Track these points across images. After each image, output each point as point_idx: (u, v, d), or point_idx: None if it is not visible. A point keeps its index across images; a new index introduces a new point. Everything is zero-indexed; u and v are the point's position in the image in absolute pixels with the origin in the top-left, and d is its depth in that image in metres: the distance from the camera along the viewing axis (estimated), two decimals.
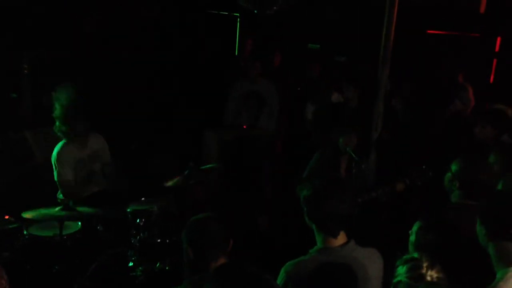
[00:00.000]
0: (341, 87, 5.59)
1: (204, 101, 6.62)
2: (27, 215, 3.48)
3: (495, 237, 2.13)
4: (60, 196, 4.29)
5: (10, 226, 3.68)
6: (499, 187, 2.99)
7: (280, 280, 2.34)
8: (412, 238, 2.46)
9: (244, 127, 5.65)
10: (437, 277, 1.96)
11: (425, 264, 1.99)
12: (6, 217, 3.80)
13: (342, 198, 2.33)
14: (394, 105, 5.04)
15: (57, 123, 4.19)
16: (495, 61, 7.11)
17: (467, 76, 5.81)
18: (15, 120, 5.34)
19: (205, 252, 2.38)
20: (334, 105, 5.64)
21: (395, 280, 2.06)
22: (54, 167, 4.19)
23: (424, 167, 3.59)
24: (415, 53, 6.70)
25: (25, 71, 5.44)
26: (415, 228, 2.48)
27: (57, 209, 3.55)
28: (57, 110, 4.19)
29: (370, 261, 2.40)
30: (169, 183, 3.97)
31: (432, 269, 1.97)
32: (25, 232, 3.69)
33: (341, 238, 2.38)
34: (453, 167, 2.88)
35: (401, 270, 2.07)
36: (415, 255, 2.34)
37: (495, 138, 4.00)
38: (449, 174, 2.90)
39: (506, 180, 2.91)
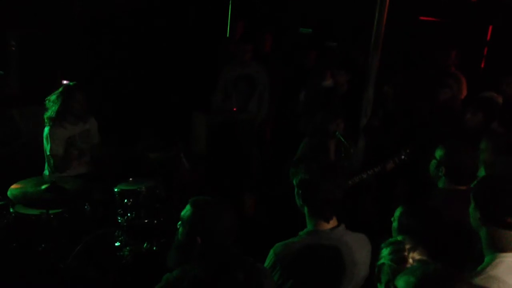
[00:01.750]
0: (332, 73, 5.58)
1: (194, 83, 6.58)
2: (12, 192, 3.46)
3: (489, 222, 2.13)
4: (46, 173, 4.28)
5: None
6: (482, 172, 3.02)
7: (268, 261, 2.35)
8: (395, 224, 2.48)
9: (234, 110, 5.62)
10: (419, 260, 1.98)
11: (407, 246, 2.01)
12: None
13: (337, 183, 2.36)
14: (386, 92, 5.04)
15: (48, 115, 4.16)
16: (486, 49, 7.14)
17: (459, 64, 5.81)
18: (2, 98, 5.28)
19: (217, 240, 2.17)
20: (324, 90, 5.64)
21: (378, 263, 2.08)
22: (45, 141, 4.19)
23: (412, 146, 3.61)
24: (407, 40, 6.69)
25: (12, 49, 5.36)
26: (397, 213, 2.50)
27: (43, 187, 3.53)
28: (51, 107, 4.16)
29: (359, 246, 2.42)
30: (153, 155, 3.96)
31: (414, 251, 1.99)
32: (11, 210, 3.67)
33: (332, 222, 2.40)
34: (438, 154, 2.90)
35: (385, 252, 2.09)
36: (399, 238, 2.37)
37: (485, 125, 4.03)
38: (434, 161, 2.92)
39: (500, 165, 2.93)
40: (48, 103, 4.18)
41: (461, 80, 5.62)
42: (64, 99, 4.15)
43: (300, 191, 2.42)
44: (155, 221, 3.92)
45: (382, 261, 2.09)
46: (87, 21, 6.13)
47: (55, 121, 4.16)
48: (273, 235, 2.59)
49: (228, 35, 7.16)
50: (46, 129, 4.18)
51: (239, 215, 2.31)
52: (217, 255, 2.15)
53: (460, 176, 2.80)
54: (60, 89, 4.22)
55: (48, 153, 4.19)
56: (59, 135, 4.19)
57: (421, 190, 3.18)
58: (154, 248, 3.76)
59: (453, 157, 2.82)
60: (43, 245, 3.56)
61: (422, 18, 7.18)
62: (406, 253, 2.00)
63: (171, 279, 2.10)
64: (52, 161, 4.20)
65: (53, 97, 4.18)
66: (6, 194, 3.49)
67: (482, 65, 7.24)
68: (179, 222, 2.29)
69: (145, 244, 3.76)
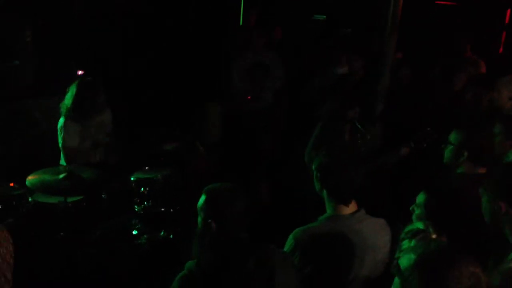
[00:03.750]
0: (347, 59, 5.52)
1: (208, 72, 6.56)
2: (30, 181, 3.49)
3: None
4: (62, 163, 4.31)
5: (15, 193, 3.69)
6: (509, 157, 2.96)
7: (288, 246, 2.35)
8: (418, 211, 2.43)
9: (249, 98, 5.61)
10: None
11: (433, 236, 1.97)
12: (11, 184, 3.81)
13: (356, 167, 2.35)
14: (402, 76, 4.98)
15: (65, 105, 4.18)
16: (504, 33, 7.01)
17: (477, 49, 5.72)
18: (17, 89, 5.32)
19: (231, 225, 2.18)
20: (339, 77, 5.59)
21: (398, 255, 2.04)
22: (59, 132, 4.20)
23: (428, 129, 3.56)
24: (423, 25, 6.59)
25: (28, 39, 5.38)
26: (420, 199, 2.45)
27: (61, 176, 3.56)
28: (67, 100, 4.18)
29: (379, 231, 2.40)
30: (168, 147, 3.97)
31: (440, 239, 1.95)
32: (29, 199, 3.71)
33: (352, 207, 2.39)
34: (454, 138, 2.85)
35: (407, 244, 2.05)
36: (420, 226, 2.33)
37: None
38: (451, 147, 2.86)
39: None
40: (66, 95, 4.20)
41: (479, 65, 5.53)
42: (79, 93, 4.15)
43: (318, 175, 2.41)
44: (172, 210, 3.94)
45: None
46: (102, 11, 6.14)
47: (70, 114, 4.17)
48: (289, 222, 2.58)
49: (241, 24, 7.13)
50: (61, 120, 4.20)
51: (254, 203, 2.30)
52: (228, 242, 2.15)
53: (482, 158, 2.75)
54: (76, 82, 4.22)
55: (61, 144, 4.21)
56: (73, 127, 4.19)
57: (437, 176, 3.14)
58: (171, 236, 3.78)
59: (475, 139, 2.76)
60: (61, 233, 3.60)
61: (438, 2, 7.07)
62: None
63: (191, 267, 2.11)
64: (65, 153, 4.22)
65: (69, 89, 4.19)
66: (24, 183, 3.53)
67: (501, 50, 7.11)
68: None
69: (162, 232, 3.79)
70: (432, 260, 1.55)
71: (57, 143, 4.26)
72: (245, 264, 2.05)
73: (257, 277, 2.04)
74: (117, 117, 4.58)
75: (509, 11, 6.95)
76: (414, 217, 2.51)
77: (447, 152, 2.90)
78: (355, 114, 4.02)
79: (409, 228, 2.38)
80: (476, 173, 2.78)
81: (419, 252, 1.58)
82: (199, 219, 2.27)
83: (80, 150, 4.21)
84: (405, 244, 2.07)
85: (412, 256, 1.57)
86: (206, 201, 2.22)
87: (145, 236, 3.73)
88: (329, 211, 2.41)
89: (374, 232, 2.37)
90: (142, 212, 3.83)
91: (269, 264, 2.09)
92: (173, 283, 2.07)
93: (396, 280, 1.61)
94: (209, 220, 2.18)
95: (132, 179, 3.96)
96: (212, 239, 2.19)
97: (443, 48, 6.03)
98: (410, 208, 2.51)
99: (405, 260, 1.58)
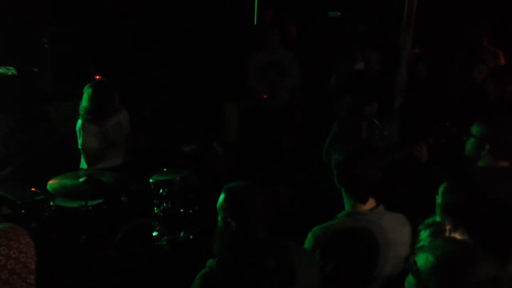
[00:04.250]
0: (363, 55, 5.48)
1: (224, 71, 6.58)
2: (52, 186, 3.53)
3: None
4: (83, 166, 4.35)
5: (37, 198, 3.75)
6: None
7: (307, 244, 2.33)
8: (439, 200, 2.40)
9: (265, 97, 5.60)
10: (461, 239, 1.91)
11: (448, 227, 1.95)
12: (33, 189, 3.87)
13: (372, 163, 2.32)
14: (419, 70, 4.92)
15: (83, 107, 4.23)
16: None
17: (494, 39, 5.62)
18: (37, 94, 5.40)
19: (251, 224, 2.16)
20: (355, 73, 5.56)
21: (418, 245, 2.02)
22: (78, 134, 4.25)
23: (447, 124, 3.50)
24: (439, 17, 6.50)
25: (45, 45, 5.46)
26: (441, 189, 2.41)
27: (81, 180, 3.59)
28: (84, 102, 4.23)
29: (398, 226, 2.37)
30: (187, 149, 3.98)
31: (455, 231, 1.93)
32: (51, 203, 3.76)
33: (370, 203, 2.36)
34: (476, 131, 2.79)
35: (424, 234, 2.03)
36: (437, 218, 2.29)
37: None
38: (472, 139, 2.81)
39: None
40: (82, 97, 4.24)
41: (497, 56, 5.44)
42: (94, 94, 4.18)
43: (336, 172, 2.39)
44: (191, 210, 3.95)
45: (421, 243, 2.03)
46: (118, 12, 6.18)
47: (87, 116, 4.22)
48: (308, 221, 2.56)
49: (255, 23, 7.13)
50: (79, 122, 4.24)
51: (273, 202, 2.29)
52: (248, 240, 2.14)
53: (505, 151, 2.69)
54: (90, 83, 4.25)
55: (80, 146, 4.26)
56: (91, 129, 4.22)
57: (457, 170, 3.08)
58: (191, 237, 3.79)
59: (498, 131, 2.71)
60: (83, 237, 3.64)
61: None
62: (447, 234, 1.94)
63: (212, 265, 2.11)
64: (84, 155, 4.27)
65: (84, 91, 4.23)
66: (46, 188, 3.58)
67: None
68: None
69: (182, 233, 3.80)
70: (450, 264, 1.52)
71: (76, 147, 4.32)
72: (265, 262, 2.04)
73: (277, 275, 2.03)
74: (134, 119, 4.62)
75: None
76: (436, 206, 2.48)
77: (469, 145, 2.84)
78: (372, 109, 4.00)
79: (428, 220, 2.35)
80: (498, 167, 2.73)
81: (437, 255, 1.54)
82: (219, 218, 2.27)
83: (99, 151, 4.25)
84: (422, 235, 2.04)
85: (430, 258, 1.54)
86: (225, 199, 2.22)
87: (165, 237, 3.74)
88: (347, 208, 2.39)
89: (394, 228, 2.34)
90: (161, 214, 3.85)
91: (289, 262, 2.08)
92: (195, 280, 2.07)
93: (411, 278, 1.58)
94: (229, 219, 2.18)
95: (151, 181, 3.98)
96: (232, 238, 2.18)
97: (460, 41, 5.95)
98: (436, 196, 2.46)
99: (422, 260, 1.55)
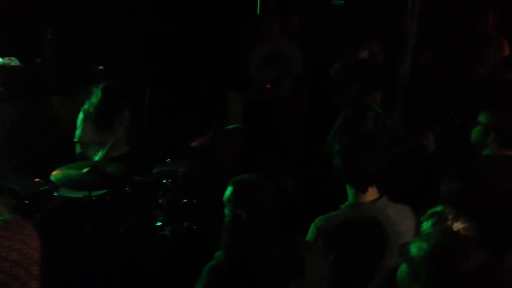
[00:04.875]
0: (366, 43, 5.44)
1: (227, 61, 6.54)
2: (55, 176, 3.53)
3: None
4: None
5: (41, 189, 3.76)
6: None
7: (310, 235, 2.32)
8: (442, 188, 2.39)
9: (268, 86, 5.58)
10: (463, 228, 1.89)
11: (450, 216, 1.93)
12: (36, 180, 3.88)
13: (373, 153, 2.29)
14: (424, 61, 4.89)
15: (89, 103, 4.22)
16: None
17: (499, 28, 5.56)
18: (39, 86, 5.39)
19: (259, 215, 2.19)
20: (359, 63, 5.51)
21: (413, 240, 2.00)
22: (78, 125, 4.25)
23: (453, 113, 3.48)
24: (445, 6, 6.44)
25: (48, 36, 5.44)
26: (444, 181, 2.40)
27: (84, 170, 3.60)
28: (88, 106, 4.22)
29: (402, 218, 2.34)
30: (194, 144, 3.99)
31: (457, 221, 1.91)
32: (55, 194, 3.76)
33: (373, 194, 2.33)
34: (483, 119, 2.78)
35: (426, 225, 2.01)
36: (439, 208, 2.28)
37: None
38: (479, 128, 2.80)
39: None
40: (92, 96, 4.23)
41: (502, 44, 5.38)
42: (104, 101, 4.18)
43: (338, 162, 2.37)
44: (194, 201, 3.96)
45: None
46: (121, 7, 6.16)
47: (91, 115, 4.24)
48: (312, 211, 2.55)
49: (258, 13, 7.08)
50: (80, 115, 4.27)
51: (278, 192, 2.29)
52: (256, 232, 2.14)
53: (511, 139, 2.68)
54: (102, 86, 4.22)
55: (76, 139, 4.27)
56: (90, 130, 4.27)
57: (463, 159, 3.07)
58: (195, 227, 3.80)
59: (504, 120, 2.69)
60: (87, 227, 3.65)
61: None
62: (450, 223, 1.92)
63: (220, 257, 2.11)
64: (77, 147, 4.29)
65: (95, 91, 4.21)
66: (49, 179, 3.58)
67: None
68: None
69: (186, 223, 3.81)
70: (443, 253, 1.52)
71: None
72: (273, 255, 2.03)
73: (285, 268, 2.03)
74: (139, 112, 4.61)
75: None
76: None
77: (474, 132, 2.84)
78: (375, 99, 3.97)
79: (429, 211, 2.34)
80: (503, 155, 2.72)
81: (431, 243, 1.54)
82: (226, 211, 2.26)
83: (98, 144, 4.24)
84: (424, 225, 2.03)
85: (424, 246, 1.54)
86: (233, 192, 2.23)
87: (169, 227, 3.75)
88: (350, 198, 2.37)
89: (398, 219, 2.32)
90: (165, 204, 3.85)
91: (297, 255, 2.07)
92: (202, 272, 2.07)
93: (403, 267, 1.58)
94: (238, 211, 2.18)
95: (154, 171, 3.98)
96: (240, 230, 2.18)
97: (465, 30, 5.88)
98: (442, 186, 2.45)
99: (416, 247, 1.55)
